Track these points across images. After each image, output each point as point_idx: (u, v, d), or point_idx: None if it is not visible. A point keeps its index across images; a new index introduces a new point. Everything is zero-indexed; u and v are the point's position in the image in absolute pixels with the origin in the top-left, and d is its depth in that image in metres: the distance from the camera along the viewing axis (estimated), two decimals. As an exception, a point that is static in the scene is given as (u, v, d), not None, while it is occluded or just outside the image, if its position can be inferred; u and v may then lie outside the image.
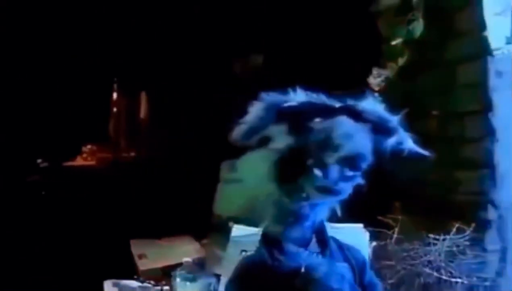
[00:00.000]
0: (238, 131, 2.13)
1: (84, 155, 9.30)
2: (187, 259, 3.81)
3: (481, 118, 3.46)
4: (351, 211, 2.40)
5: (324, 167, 2.02)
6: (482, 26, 3.40)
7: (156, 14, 6.69)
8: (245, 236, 3.40)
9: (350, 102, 2.09)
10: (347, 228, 2.84)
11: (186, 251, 4.27)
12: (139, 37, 7.07)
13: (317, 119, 2.07)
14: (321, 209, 2.14)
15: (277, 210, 2.15)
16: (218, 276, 3.65)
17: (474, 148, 3.52)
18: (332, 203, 2.13)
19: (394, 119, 2.11)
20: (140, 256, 4.34)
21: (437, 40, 3.66)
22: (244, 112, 2.18)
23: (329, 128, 2.06)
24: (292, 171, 2.09)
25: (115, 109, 9.78)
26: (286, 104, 2.08)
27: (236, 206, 3.94)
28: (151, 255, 4.36)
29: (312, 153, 2.04)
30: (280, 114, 2.08)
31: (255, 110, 2.11)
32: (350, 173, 2.04)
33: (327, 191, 2.05)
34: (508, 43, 3.46)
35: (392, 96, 3.81)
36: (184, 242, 4.56)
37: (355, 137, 2.05)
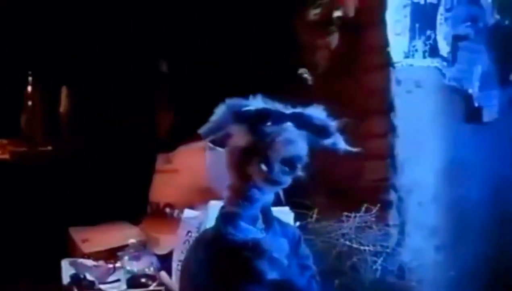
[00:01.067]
0: (203, 128, 2.52)
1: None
2: (132, 240, 4.24)
3: (385, 117, 4.11)
4: (280, 196, 2.98)
5: (268, 163, 2.45)
6: (386, 43, 4.08)
7: (75, 6, 6.63)
8: (192, 218, 3.82)
9: (298, 109, 2.51)
10: (276, 210, 3.41)
11: (126, 234, 4.50)
12: (55, 31, 6.92)
13: (268, 124, 2.48)
14: (267, 194, 2.56)
15: (232, 194, 2.55)
16: (157, 256, 4.06)
17: (379, 142, 4.13)
18: (276, 189, 2.58)
19: (333, 124, 2.53)
20: (83, 241, 4.52)
21: (350, 52, 4.28)
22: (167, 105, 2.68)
23: (275, 133, 2.47)
24: (245, 164, 2.49)
25: (29, 103, 9.32)
26: (244, 108, 2.47)
27: (172, 193, 4.47)
28: (94, 239, 4.53)
29: (260, 151, 2.46)
30: (239, 116, 2.47)
31: (219, 111, 2.50)
32: (287, 169, 2.47)
33: (271, 182, 2.49)
34: (405, 57, 4.17)
35: (312, 95, 4.51)
36: (123, 227, 4.74)
37: (295, 143, 2.48)
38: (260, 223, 2.58)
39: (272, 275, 2.49)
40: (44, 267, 5.09)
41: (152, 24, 6.39)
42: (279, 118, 2.49)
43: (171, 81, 6.95)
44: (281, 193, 2.67)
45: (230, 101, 2.50)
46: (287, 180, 2.52)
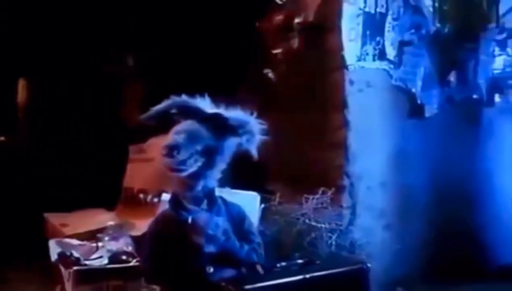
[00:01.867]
0: (146, 115, 2.83)
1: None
2: (111, 222, 4.45)
3: (339, 113, 4.53)
4: (248, 183, 3.31)
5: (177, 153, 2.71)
6: (341, 47, 4.49)
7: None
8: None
9: (220, 110, 2.79)
10: (244, 194, 3.71)
11: (103, 218, 4.68)
12: (11, 24, 6.66)
13: (188, 121, 2.77)
14: (208, 180, 2.84)
15: (177, 180, 2.82)
16: (132, 237, 4.24)
17: (335, 135, 4.54)
18: (213, 176, 2.84)
19: (250, 121, 2.82)
20: (63, 225, 4.67)
21: (309, 54, 4.67)
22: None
23: (180, 130, 2.76)
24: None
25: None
26: (181, 103, 2.77)
27: (146, 180, 4.74)
28: (72, 223, 4.67)
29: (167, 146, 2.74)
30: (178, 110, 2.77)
31: (162, 104, 2.80)
32: (206, 159, 2.75)
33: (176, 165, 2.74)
34: (358, 60, 4.60)
35: (276, 93, 4.86)
36: (99, 212, 4.91)
37: (180, 134, 2.73)
38: (204, 204, 2.87)
39: (208, 248, 2.77)
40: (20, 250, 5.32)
41: (113, 21, 6.40)
42: (200, 115, 2.78)
43: (134, 75, 6.97)
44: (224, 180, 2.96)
45: (176, 98, 2.81)
46: (185, 168, 2.71)
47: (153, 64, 6.43)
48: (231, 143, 2.86)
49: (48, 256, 4.25)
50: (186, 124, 2.79)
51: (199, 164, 2.73)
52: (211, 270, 2.77)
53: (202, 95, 2.84)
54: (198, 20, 5.85)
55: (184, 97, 2.83)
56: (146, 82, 6.55)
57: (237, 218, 2.94)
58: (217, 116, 2.80)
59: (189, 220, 2.76)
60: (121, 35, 6.43)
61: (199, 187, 2.81)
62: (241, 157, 2.89)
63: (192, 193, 2.82)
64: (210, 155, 2.80)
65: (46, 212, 5.05)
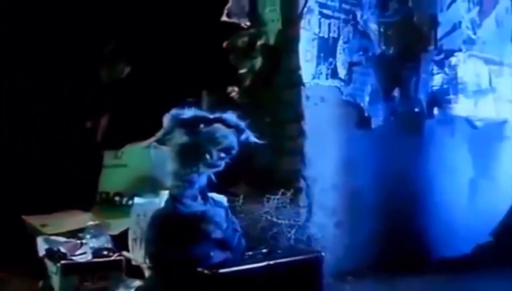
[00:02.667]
0: (158, 136, 3.17)
1: None
2: (91, 222, 4.67)
3: (297, 124, 4.86)
4: (214, 186, 3.38)
5: (210, 153, 3.08)
6: (298, 67, 4.86)
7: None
8: (141, 204, 4.40)
9: (218, 114, 3.12)
10: (213, 195, 3.76)
11: (81, 219, 4.84)
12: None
13: (201, 126, 3.09)
14: (203, 178, 3.15)
15: (177, 179, 3.10)
16: (110, 236, 4.52)
17: (292, 143, 4.85)
18: (209, 174, 3.15)
19: (243, 124, 3.16)
20: (43, 225, 4.79)
21: (270, 73, 5.01)
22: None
23: (212, 132, 3.08)
24: (189, 156, 3.06)
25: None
26: (182, 116, 3.06)
27: (121, 184, 5.04)
28: (52, 224, 4.80)
29: (203, 145, 3.07)
30: (180, 122, 3.07)
31: (165, 120, 3.09)
32: (224, 156, 3.12)
33: (211, 166, 3.13)
34: (313, 78, 4.94)
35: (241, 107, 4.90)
36: (76, 213, 5.03)
37: (227, 137, 3.10)
38: (199, 200, 3.16)
39: (215, 234, 3.08)
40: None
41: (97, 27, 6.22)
42: (208, 121, 3.11)
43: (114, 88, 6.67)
44: (212, 177, 3.24)
45: (173, 111, 3.12)
46: (222, 164, 3.14)
47: (127, 79, 6.43)
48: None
49: (29, 256, 4.43)
50: (220, 129, 3.08)
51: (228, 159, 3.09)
52: (212, 254, 3.01)
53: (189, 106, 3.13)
54: (170, 40, 5.95)
55: (177, 110, 3.10)
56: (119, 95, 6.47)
57: (225, 211, 3.24)
58: (221, 118, 3.11)
59: (199, 213, 3.01)
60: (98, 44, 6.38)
61: (197, 184, 3.09)
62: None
63: (191, 190, 3.08)
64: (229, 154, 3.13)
65: (23, 214, 5.02)
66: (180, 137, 3.10)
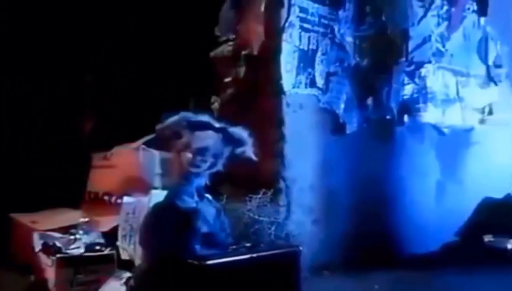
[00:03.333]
0: (160, 125, 3.29)
1: None
2: (83, 219, 4.84)
3: (278, 129, 5.04)
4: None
5: (191, 152, 3.24)
6: (279, 77, 5.04)
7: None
8: (130, 203, 4.52)
9: (223, 125, 3.33)
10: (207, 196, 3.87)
11: (71, 216, 4.95)
12: None
13: (198, 131, 3.28)
14: (200, 178, 3.34)
15: (177, 177, 3.34)
16: (102, 232, 4.67)
17: (274, 146, 5.01)
18: (204, 175, 3.33)
19: (246, 139, 3.35)
20: (33, 222, 4.91)
21: (253, 82, 5.14)
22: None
23: (198, 134, 3.27)
24: (180, 155, 3.27)
25: None
26: (191, 119, 3.26)
27: (111, 184, 5.15)
28: (42, 221, 4.90)
29: (188, 146, 3.25)
30: (188, 123, 3.26)
31: (173, 118, 3.27)
32: (214, 161, 3.28)
33: (193, 166, 3.26)
34: (293, 87, 5.13)
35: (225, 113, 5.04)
36: (66, 211, 5.14)
37: (206, 139, 3.24)
38: (195, 197, 3.37)
39: (203, 229, 3.28)
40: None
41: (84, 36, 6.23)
42: (214, 129, 3.31)
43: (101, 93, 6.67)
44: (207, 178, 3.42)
45: (184, 113, 3.33)
46: (203, 165, 3.27)
47: (113, 87, 6.43)
48: (229, 151, 3.31)
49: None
50: (209, 134, 3.23)
51: (208, 164, 3.23)
52: (198, 248, 3.20)
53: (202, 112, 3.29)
54: (157, 48, 6.02)
55: (190, 113, 3.30)
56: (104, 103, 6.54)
57: (217, 211, 3.43)
58: (224, 129, 3.29)
59: (193, 209, 3.18)
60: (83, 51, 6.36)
61: (194, 183, 3.27)
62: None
63: (189, 188, 3.26)
64: (216, 159, 3.28)
65: (12, 212, 5.09)
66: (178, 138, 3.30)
